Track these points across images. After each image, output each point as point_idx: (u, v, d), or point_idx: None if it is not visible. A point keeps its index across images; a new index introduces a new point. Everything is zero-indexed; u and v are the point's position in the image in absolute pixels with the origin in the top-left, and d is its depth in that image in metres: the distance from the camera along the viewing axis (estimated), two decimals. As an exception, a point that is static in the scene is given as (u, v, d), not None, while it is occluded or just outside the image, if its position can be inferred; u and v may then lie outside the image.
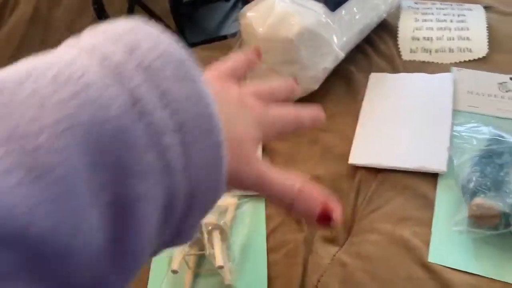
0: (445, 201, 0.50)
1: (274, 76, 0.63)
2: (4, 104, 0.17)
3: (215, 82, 0.31)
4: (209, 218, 0.49)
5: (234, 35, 0.68)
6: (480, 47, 0.69)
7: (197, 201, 0.22)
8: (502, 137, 0.52)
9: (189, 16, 0.85)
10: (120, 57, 0.19)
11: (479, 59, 0.68)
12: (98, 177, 0.17)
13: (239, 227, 0.53)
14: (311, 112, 0.36)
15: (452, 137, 0.56)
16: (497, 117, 0.59)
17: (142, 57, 0.20)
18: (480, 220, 0.45)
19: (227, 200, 0.55)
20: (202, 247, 0.48)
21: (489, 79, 0.64)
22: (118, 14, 0.81)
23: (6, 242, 0.15)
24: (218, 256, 0.47)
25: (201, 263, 0.50)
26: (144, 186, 0.19)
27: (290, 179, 0.30)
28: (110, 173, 0.18)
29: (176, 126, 0.19)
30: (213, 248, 0.47)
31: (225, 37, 0.75)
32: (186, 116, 0.20)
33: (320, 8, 0.62)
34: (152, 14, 0.76)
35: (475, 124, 0.56)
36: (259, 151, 0.58)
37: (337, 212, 0.30)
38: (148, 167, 0.19)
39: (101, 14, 0.76)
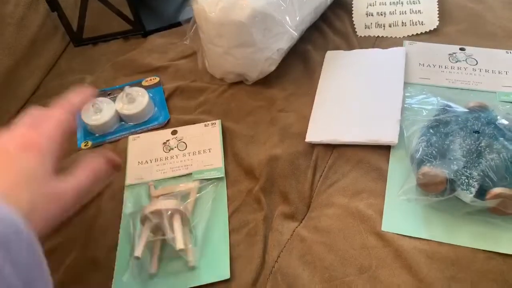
0: (396, 172, 0.52)
1: (230, 59, 0.64)
2: None
3: None
4: (169, 203, 0.50)
5: (188, 20, 0.67)
6: (431, 20, 0.70)
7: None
8: (450, 106, 0.54)
9: (146, 3, 0.84)
10: None
11: (430, 31, 0.70)
12: None
13: (202, 210, 0.54)
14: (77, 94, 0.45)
15: (403, 109, 0.57)
16: (446, 87, 0.61)
17: None
18: (427, 188, 0.46)
19: (189, 184, 0.56)
20: (164, 232, 0.49)
21: (440, 51, 0.66)
22: (72, 5, 0.80)
23: None
24: (179, 240, 0.48)
25: (166, 248, 0.51)
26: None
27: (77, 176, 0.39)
28: None
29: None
30: (173, 232, 0.48)
31: (180, 23, 0.75)
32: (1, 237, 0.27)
33: (272, -11, 0.62)
34: (107, 4, 0.75)
35: (425, 96, 0.58)
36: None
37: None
38: None
39: (54, 7, 0.75)
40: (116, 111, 0.65)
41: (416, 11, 0.72)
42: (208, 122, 0.63)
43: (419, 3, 0.73)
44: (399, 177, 0.51)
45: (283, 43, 0.64)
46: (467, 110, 0.52)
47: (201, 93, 0.68)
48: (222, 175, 0.57)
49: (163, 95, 0.68)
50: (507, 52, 0.64)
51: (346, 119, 0.58)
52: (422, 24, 0.70)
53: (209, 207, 0.54)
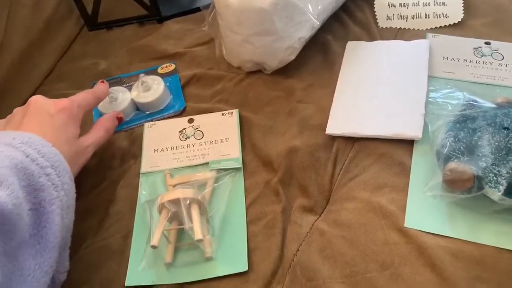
0: (420, 167, 0.51)
1: (249, 47, 0.62)
2: None
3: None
4: (188, 193, 0.49)
5: (207, 6, 0.66)
6: (456, 12, 0.68)
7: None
8: (476, 101, 0.53)
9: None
10: (11, 141, 0.42)
11: (454, 24, 0.68)
12: (25, 193, 0.38)
13: (219, 200, 0.53)
14: (99, 86, 0.59)
15: (427, 103, 0.56)
16: (471, 82, 0.59)
17: (20, 140, 0.42)
18: (454, 185, 0.45)
19: (206, 174, 0.55)
20: (181, 222, 0.48)
21: (465, 45, 0.64)
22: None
23: None
24: (197, 230, 0.47)
25: (182, 238, 0.50)
26: (44, 194, 0.40)
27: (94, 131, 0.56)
28: (27, 192, 0.39)
29: (51, 165, 0.42)
30: (192, 222, 0.47)
31: (198, 9, 0.74)
32: (54, 159, 0.43)
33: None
34: (123, -12, 0.74)
35: (450, 90, 0.57)
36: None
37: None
38: (44, 185, 0.40)
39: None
40: (132, 99, 0.64)
41: (440, 3, 0.70)
42: (225, 111, 0.62)
43: (444, -6, 0.71)
44: (423, 173, 0.50)
45: (305, 32, 0.62)
46: (495, 106, 0.51)
47: (218, 82, 0.67)
48: (240, 165, 0.56)
49: (179, 83, 0.67)
50: None
51: (368, 111, 0.57)
52: (446, 17, 0.68)
53: (226, 197, 0.53)
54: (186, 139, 0.60)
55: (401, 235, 0.46)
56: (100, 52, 0.76)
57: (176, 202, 0.48)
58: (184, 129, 0.61)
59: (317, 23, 0.63)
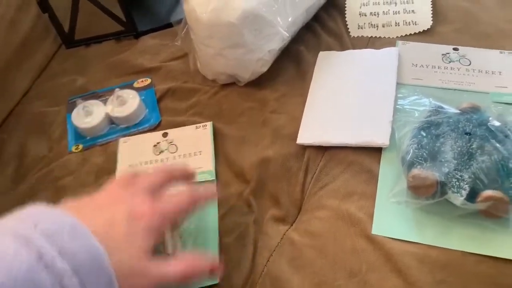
0: (388, 174, 0.51)
1: (222, 60, 0.63)
2: None
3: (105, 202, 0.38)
4: None
5: (179, 21, 0.67)
6: (425, 20, 0.69)
7: None
8: (442, 108, 0.53)
9: (139, 3, 0.83)
10: (28, 231, 0.29)
11: (424, 31, 0.69)
12: None
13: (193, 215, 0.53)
14: (204, 192, 0.44)
15: (396, 110, 0.57)
16: (439, 88, 0.60)
17: (42, 227, 0.29)
18: (418, 191, 0.46)
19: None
20: None
21: (433, 51, 0.65)
22: (63, 7, 0.79)
23: None
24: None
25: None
26: None
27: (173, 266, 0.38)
28: None
29: (74, 271, 0.28)
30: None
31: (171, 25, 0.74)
32: (80, 262, 0.29)
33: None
34: (98, 5, 0.75)
35: (417, 97, 0.57)
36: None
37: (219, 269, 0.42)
38: None
39: (45, 8, 0.74)
40: (107, 113, 0.65)
41: (409, 10, 0.71)
42: (199, 124, 0.62)
43: (413, 3, 0.72)
44: (390, 179, 0.51)
45: (275, 44, 0.63)
46: (459, 112, 0.52)
47: (193, 95, 0.68)
48: (213, 178, 0.56)
49: (155, 97, 0.68)
50: (500, 52, 0.64)
51: (338, 120, 0.57)
52: (416, 24, 0.69)
53: (199, 213, 0.53)
54: (160, 153, 0.60)
55: (368, 242, 0.47)
56: (78, 69, 0.76)
57: None
58: (158, 143, 0.61)
59: (287, 35, 0.63)
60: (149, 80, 0.70)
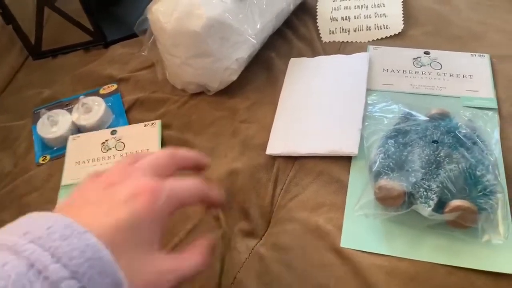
0: (357, 184, 0.50)
1: (189, 70, 0.61)
2: None
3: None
4: None
5: (145, 31, 0.65)
6: (396, 23, 0.68)
7: None
8: (411, 114, 0.52)
9: (108, 12, 0.81)
10: (17, 240, 0.25)
11: (395, 35, 0.68)
12: None
13: None
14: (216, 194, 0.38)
15: (366, 118, 0.55)
16: (410, 93, 0.59)
17: (33, 234, 0.26)
18: (385, 202, 0.44)
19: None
20: None
21: (404, 55, 0.64)
22: (29, 17, 0.77)
23: None
24: None
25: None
26: None
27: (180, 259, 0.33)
28: None
29: (71, 273, 0.25)
30: None
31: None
32: (78, 263, 0.25)
33: (229, -4, 0.60)
34: (64, 15, 0.72)
35: (387, 103, 0.56)
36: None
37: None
38: None
39: (9, 20, 0.72)
40: (73, 122, 0.63)
41: (380, 14, 0.70)
42: (148, 122, 0.62)
43: (384, 6, 0.71)
44: (359, 190, 0.49)
45: (243, 52, 0.61)
46: (427, 119, 0.51)
47: (161, 105, 0.66)
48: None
49: (121, 102, 0.66)
50: (472, 55, 0.63)
51: (307, 129, 0.56)
52: (387, 28, 0.68)
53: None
54: (107, 150, 0.60)
55: (337, 256, 0.45)
56: (45, 81, 0.74)
57: None
58: (107, 140, 0.61)
59: (255, 43, 0.62)
60: (115, 86, 0.69)
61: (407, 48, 0.65)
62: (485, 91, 0.57)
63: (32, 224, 0.27)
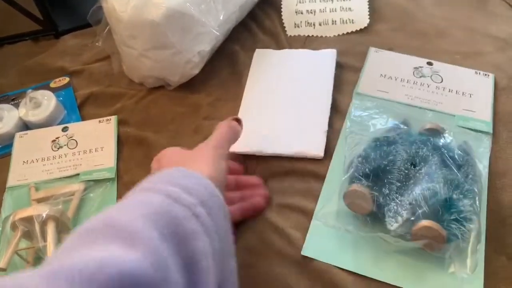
0: (331, 188, 0.47)
1: (147, 62, 0.57)
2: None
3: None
4: (41, 209, 0.44)
5: (99, 20, 0.59)
6: (362, 18, 0.66)
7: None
8: (400, 126, 0.49)
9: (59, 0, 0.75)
10: (152, 185, 0.33)
11: (361, 30, 0.65)
12: (172, 245, 0.28)
13: (86, 214, 0.49)
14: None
15: (351, 121, 0.52)
16: (404, 103, 0.54)
17: (164, 179, 0.33)
18: (353, 207, 0.42)
19: (72, 186, 0.50)
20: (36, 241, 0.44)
21: (406, 63, 0.60)
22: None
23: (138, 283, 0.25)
24: (51, 248, 0.42)
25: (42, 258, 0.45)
26: (196, 243, 0.29)
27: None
28: (174, 243, 0.29)
29: (200, 202, 0.32)
30: (45, 241, 0.43)
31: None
32: (202, 196, 0.32)
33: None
34: (8, 1, 0.65)
35: (377, 111, 0.52)
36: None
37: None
38: (194, 230, 0.30)
39: None
40: (20, 118, 0.57)
41: (346, 8, 0.67)
42: (103, 118, 0.57)
43: (350, 0, 0.68)
44: (328, 195, 0.46)
45: (205, 45, 0.57)
46: (417, 132, 0.48)
47: (117, 100, 0.61)
48: (113, 176, 0.51)
49: (74, 96, 0.61)
50: (476, 73, 0.58)
51: (272, 129, 0.52)
52: (353, 23, 0.66)
53: (95, 210, 0.49)
54: (58, 149, 0.55)
55: (297, 265, 0.43)
56: (-10, 73, 0.67)
57: (29, 219, 0.43)
58: (58, 138, 0.56)
59: (218, 35, 0.58)
60: (67, 79, 0.63)
61: (409, 56, 0.61)
62: (483, 113, 0.53)
63: (154, 176, 0.34)
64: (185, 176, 0.33)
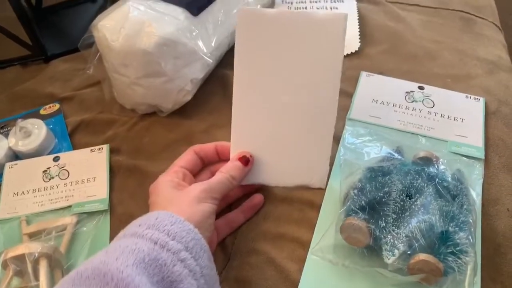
0: (327, 219, 0.46)
1: (139, 90, 0.56)
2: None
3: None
4: (34, 247, 0.43)
5: (90, 45, 0.58)
6: (352, 41, 0.66)
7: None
8: (393, 154, 0.49)
9: (49, 24, 0.74)
10: (138, 229, 0.35)
11: (352, 53, 0.65)
12: None
13: (80, 248, 0.47)
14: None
15: (345, 149, 0.51)
16: (397, 129, 0.54)
17: (146, 223, 0.35)
18: (350, 240, 0.41)
19: (65, 219, 0.49)
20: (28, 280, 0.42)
21: (398, 87, 0.60)
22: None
23: None
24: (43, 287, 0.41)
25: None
26: (183, 286, 0.32)
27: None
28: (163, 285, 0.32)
29: (185, 247, 0.34)
30: (37, 279, 0.42)
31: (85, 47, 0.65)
32: (187, 241, 0.35)
33: (181, 13, 0.55)
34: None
35: (371, 138, 0.52)
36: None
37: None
38: (180, 273, 0.33)
39: None
40: (10, 148, 0.56)
41: (337, 32, 0.67)
42: (94, 147, 0.56)
43: (340, 23, 0.68)
44: (325, 226, 0.45)
45: (198, 72, 0.57)
46: (411, 161, 0.47)
47: (109, 127, 0.60)
48: (106, 207, 0.50)
49: (65, 123, 0.60)
50: (466, 97, 0.58)
51: (270, 154, 0.48)
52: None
53: (88, 245, 0.47)
54: (50, 179, 0.53)
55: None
56: (-22, 99, 0.65)
57: (21, 258, 0.42)
58: (49, 168, 0.54)
59: (211, 62, 0.57)
60: (57, 106, 0.62)
61: (401, 80, 0.61)
62: (474, 138, 0.53)
63: (142, 218, 0.36)
64: (171, 222, 0.35)
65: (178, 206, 0.39)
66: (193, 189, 0.41)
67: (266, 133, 0.48)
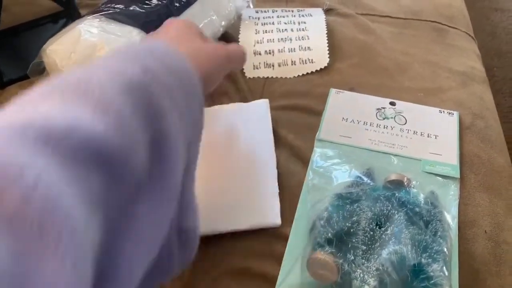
0: (293, 252, 0.42)
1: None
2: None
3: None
4: None
5: (42, 71, 0.54)
6: (322, 57, 0.63)
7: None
8: (362, 180, 0.45)
9: (4, 45, 0.69)
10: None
11: (321, 69, 0.62)
12: (140, 119, 0.26)
13: None
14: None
15: (314, 173, 0.48)
16: (368, 149, 0.51)
17: (153, 57, 0.30)
18: (317, 277, 0.38)
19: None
20: None
21: (368, 104, 0.56)
22: None
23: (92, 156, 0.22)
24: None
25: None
26: (167, 122, 0.27)
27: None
28: (144, 116, 0.26)
29: (178, 86, 0.30)
30: None
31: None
32: (182, 79, 0.31)
33: (137, 34, 0.52)
34: None
35: (341, 160, 0.49)
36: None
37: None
38: (166, 108, 0.28)
39: None
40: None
41: (305, 47, 0.64)
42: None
43: (308, 38, 0.65)
44: (293, 260, 0.42)
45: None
46: (382, 186, 0.44)
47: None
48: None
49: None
50: (440, 111, 0.55)
51: (220, 201, 0.46)
52: (312, 62, 0.63)
53: None
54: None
55: None
56: None
57: None
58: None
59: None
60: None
61: (372, 96, 0.57)
62: (449, 156, 0.50)
63: (139, 46, 0.33)
64: (169, 55, 0.31)
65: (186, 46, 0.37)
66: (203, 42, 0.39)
67: (212, 181, 0.48)
